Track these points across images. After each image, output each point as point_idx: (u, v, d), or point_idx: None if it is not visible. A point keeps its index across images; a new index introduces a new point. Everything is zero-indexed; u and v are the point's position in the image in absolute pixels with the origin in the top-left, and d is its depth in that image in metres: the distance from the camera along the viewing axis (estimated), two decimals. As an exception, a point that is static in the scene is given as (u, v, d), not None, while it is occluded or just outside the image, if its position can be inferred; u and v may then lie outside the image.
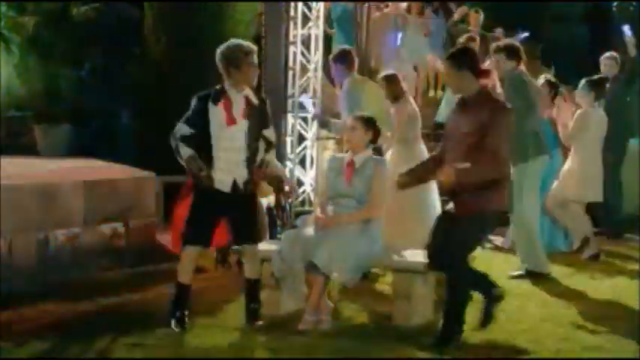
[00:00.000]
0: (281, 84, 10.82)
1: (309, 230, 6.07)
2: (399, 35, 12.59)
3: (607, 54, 10.39)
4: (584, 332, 5.84)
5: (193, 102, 6.13)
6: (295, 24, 10.71)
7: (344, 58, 8.51)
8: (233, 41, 6.22)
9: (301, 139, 10.75)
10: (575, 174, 8.74)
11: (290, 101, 10.76)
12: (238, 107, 5.92)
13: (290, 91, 10.76)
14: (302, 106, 10.59)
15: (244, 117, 5.89)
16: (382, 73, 9.05)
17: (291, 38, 10.76)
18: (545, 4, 15.17)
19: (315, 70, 10.77)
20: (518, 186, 7.51)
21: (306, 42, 10.76)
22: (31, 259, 6.93)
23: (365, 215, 6.03)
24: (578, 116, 8.79)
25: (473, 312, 6.20)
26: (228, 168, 5.85)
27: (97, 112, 11.59)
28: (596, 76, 9.17)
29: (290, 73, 10.77)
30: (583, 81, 8.94)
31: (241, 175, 5.88)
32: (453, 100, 10.44)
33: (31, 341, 5.50)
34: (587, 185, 8.74)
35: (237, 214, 5.97)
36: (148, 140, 11.49)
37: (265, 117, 6.06)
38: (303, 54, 10.73)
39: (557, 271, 7.84)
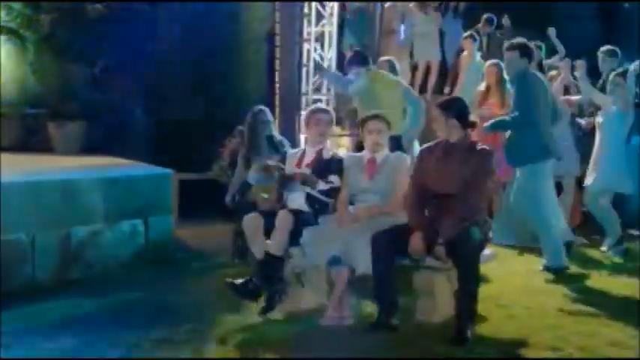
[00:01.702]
0: (295, 81, 10.88)
1: (332, 226, 6.10)
2: (403, 29, 12.56)
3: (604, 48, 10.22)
4: (608, 329, 5.81)
5: None
6: (309, 21, 10.78)
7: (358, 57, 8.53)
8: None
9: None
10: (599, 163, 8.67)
11: (304, 98, 10.83)
12: (308, 158, 6.44)
13: (304, 88, 10.84)
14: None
15: (309, 167, 6.38)
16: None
17: (305, 35, 10.84)
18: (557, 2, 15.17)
19: (329, 67, 10.84)
20: (532, 187, 7.56)
21: (319, 39, 10.84)
22: (53, 255, 6.94)
23: (391, 209, 6.05)
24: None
25: (493, 308, 6.28)
26: None
27: (111, 109, 11.62)
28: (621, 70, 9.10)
29: (304, 70, 10.85)
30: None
31: None
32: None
33: (58, 337, 5.52)
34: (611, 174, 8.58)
35: None
36: (160, 137, 11.55)
37: (334, 167, 6.34)
38: (316, 51, 10.80)
39: (578, 266, 7.88)
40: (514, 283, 7.26)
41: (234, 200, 8.38)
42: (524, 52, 7.70)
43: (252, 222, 6.29)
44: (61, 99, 11.29)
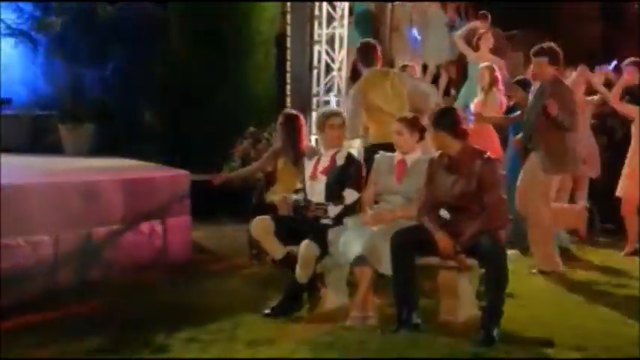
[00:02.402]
0: (306, 83, 10.93)
1: (357, 226, 6.14)
2: (414, 31, 12.56)
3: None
4: (630, 329, 5.87)
5: None
6: (320, 23, 10.83)
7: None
8: (322, 109, 6.66)
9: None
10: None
11: (315, 100, 10.88)
12: (323, 165, 6.42)
13: (315, 89, 10.89)
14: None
15: (323, 174, 6.39)
16: None
17: (315, 37, 10.89)
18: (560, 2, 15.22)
19: (340, 69, 10.91)
20: (538, 191, 7.65)
21: (330, 41, 10.88)
22: (75, 256, 6.98)
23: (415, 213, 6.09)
24: None
25: (514, 308, 6.32)
26: None
27: (121, 110, 11.68)
28: None
29: (314, 72, 10.90)
30: None
31: None
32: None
33: (87, 337, 5.54)
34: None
35: None
36: (170, 139, 11.59)
37: (348, 176, 6.33)
38: (327, 53, 10.85)
39: (595, 267, 8.00)
40: (531, 283, 7.33)
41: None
42: (554, 57, 7.72)
43: (259, 225, 6.33)
44: (71, 100, 11.36)
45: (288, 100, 10.94)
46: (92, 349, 5.35)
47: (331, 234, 6.13)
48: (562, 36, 11.96)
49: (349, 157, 6.52)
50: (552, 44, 7.86)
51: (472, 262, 5.81)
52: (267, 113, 11.30)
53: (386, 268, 5.85)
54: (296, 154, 7.76)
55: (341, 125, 6.57)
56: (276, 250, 6.27)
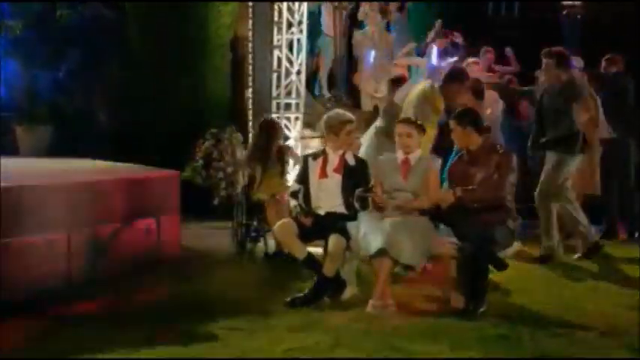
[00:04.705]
0: (267, 85, 11.23)
1: (373, 221, 6.51)
2: (373, 53, 12.92)
3: None
4: (624, 311, 6.39)
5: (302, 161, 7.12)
6: (279, 28, 11.15)
7: None
8: (334, 112, 7.04)
9: (285, 138, 11.18)
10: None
11: (275, 102, 11.19)
12: (332, 164, 6.72)
13: (275, 92, 11.20)
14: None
15: (337, 172, 6.69)
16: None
17: (275, 42, 11.20)
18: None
19: (299, 73, 11.24)
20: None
21: (289, 46, 11.21)
22: (85, 254, 7.09)
23: (425, 205, 6.56)
24: None
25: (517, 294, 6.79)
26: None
27: (77, 112, 11.70)
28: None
29: (274, 75, 11.21)
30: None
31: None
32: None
33: (129, 328, 5.69)
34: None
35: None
36: (125, 141, 11.65)
37: (361, 176, 6.71)
38: (287, 57, 11.18)
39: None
40: (526, 271, 7.80)
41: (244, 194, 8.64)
42: (560, 60, 8.22)
43: (283, 228, 6.64)
44: (27, 102, 11.32)
45: (250, 102, 11.19)
46: (134, 340, 5.43)
47: (351, 228, 6.49)
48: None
49: (357, 157, 6.95)
50: (561, 48, 8.40)
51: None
52: (222, 115, 11.56)
53: (406, 258, 6.29)
54: (267, 158, 8.42)
55: (354, 130, 6.94)
56: (300, 250, 6.57)
